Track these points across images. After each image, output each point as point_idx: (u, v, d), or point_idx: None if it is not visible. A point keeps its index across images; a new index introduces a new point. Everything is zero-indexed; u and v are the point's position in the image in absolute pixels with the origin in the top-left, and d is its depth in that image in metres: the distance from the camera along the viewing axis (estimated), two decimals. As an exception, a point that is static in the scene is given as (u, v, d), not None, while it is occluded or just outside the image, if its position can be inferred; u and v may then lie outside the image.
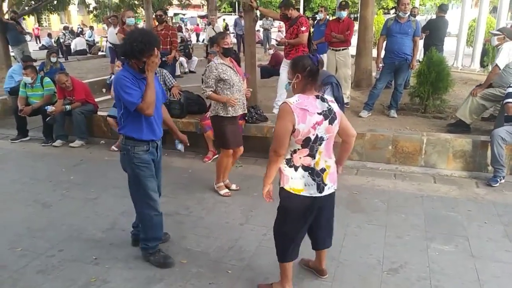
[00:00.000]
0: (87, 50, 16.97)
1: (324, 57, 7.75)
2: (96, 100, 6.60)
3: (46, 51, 9.01)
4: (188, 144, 3.44)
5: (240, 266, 3.08)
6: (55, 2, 14.49)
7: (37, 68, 6.87)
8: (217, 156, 5.31)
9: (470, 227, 3.62)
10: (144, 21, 16.15)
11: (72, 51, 16.48)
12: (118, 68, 5.82)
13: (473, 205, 4.03)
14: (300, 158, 2.46)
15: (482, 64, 10.92)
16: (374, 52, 8.44)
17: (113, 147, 5.75)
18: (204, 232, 3.58)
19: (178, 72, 10.42)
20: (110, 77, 8.08)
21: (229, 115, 4.09)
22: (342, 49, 6.83)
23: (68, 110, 5.97)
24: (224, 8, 40.64)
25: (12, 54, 10.63)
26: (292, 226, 2.59)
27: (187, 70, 11.98)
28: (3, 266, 3.12)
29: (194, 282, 2.91)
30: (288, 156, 2.48)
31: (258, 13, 7.31)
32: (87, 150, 5.88)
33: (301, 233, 2.66)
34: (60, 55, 15.92)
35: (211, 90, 4.03)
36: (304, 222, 2.59)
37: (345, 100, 6.20)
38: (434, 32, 7.93)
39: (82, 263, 3.15)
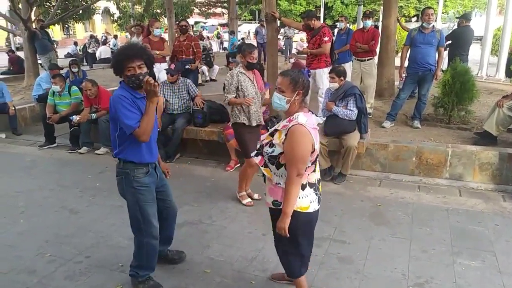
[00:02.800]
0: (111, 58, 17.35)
1: (346, 66, 7.75)
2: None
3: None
4: (169, 176, 3.17)
5: (264, 277, 3.09)
6: (80, 12, 14.90)
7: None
8: (239, 165, 5.35)
9: (498, 242, 3.54)
10: (167, 29, 16.44)
11: (97, 59, 16.87)
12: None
13: (500, 220, 3.94)
14: (308, 175, 2.46)
15: (508, 74, 10.69)
16: (397, 62, 8.40)
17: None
18: (227, 242, 3.61)
19: (199, 81, 10.54)
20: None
21: (246, 124, 4.14)
22: (368, 59, 6.80)
23: (94, 118, 6.11)
24: (245, 16, 40.99)
25: (39, 61, 10.95)
26: (304, 243, 2.60)
27: (208, 78, 12.11)
28: (33, 271, 3.21)
29: (218, 292, 2.93)
30: None
31: (279, 22, 7.35)
32: (112, 158, 5.98)
33: (311, 244, 2.69)
34: (85, 63, 16.34)
35: (232, 96, 4.12)
36: (312, 235, 2.64)
37: (368, 111, 6.17)
38: (459, 42, 7.82)
39: (109, 270, 3.21)
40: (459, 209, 4.16)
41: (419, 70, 5.85)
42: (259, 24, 18.02)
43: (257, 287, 2.97)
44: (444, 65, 8.12)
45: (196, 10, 25.45)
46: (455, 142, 5.35)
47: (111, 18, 20.72)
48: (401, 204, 4.29)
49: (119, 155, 2.78)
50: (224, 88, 4.30)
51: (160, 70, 7.15)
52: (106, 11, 17.83)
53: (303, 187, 2.45)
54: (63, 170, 5.49)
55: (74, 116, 6.09)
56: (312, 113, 2.52)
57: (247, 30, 34.53)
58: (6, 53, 14.14)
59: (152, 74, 2.79)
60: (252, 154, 2.60)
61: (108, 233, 3.79)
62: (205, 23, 43.87)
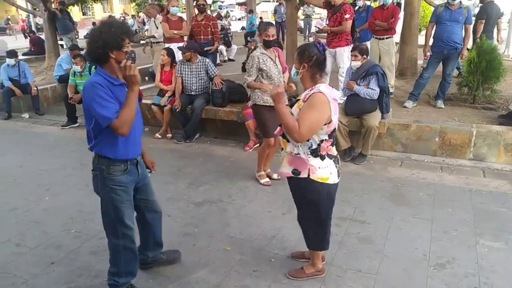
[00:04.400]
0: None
1: (367, 44, 7.56)
2: (140, 88, 6.77)
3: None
4: (154, 171, 2.92)
5: (283, 255, 3.11)
6: (99, -9, 14.95)
7: (84, 56, 7.12)
8: (258, 145, 5.35)
9: (522, 224, 3.47)
10: (184, 9, 16.32)
11: (116, 39, 16.93)
12: (163, 57, 5.94)
13: (525, 201, 3.85)
14: (327, 146, 2.49)
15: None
16: (420, 40, 8.16)
17: (157, 135, 5.91)
18: (247, 220, 3.63)
19: (217, 61, 10.49)
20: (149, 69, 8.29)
21: (267, 104, 4.11)
22: (386, 38, 6.60)
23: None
24: (263, -6, 40.31)
25: (60, 42, 11.06)
26: (325, 213, 2.64)
27: (226, 58, 12.04)
28: (59, 246, 3.32)
29: (238, 269, 2.97)
30: (315, 146, 2.46)
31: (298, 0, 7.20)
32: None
33: (330, 217, 2.71)
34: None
35: (252, 79, 4.10)
36: (331, 208, 2.66)
37: (390, 90, 6.04)
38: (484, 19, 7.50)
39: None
40: (482, 190, 4.08)
41: (444, 49, 5.67)
42: (277, 3, 17.69)
43: (276, 265, 3.00)
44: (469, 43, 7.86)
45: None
46: (480, 122, 5.22)
47: (129, -2, 20.79)
48: (422, 184, 4.23)
49: (93, 148, 2.47)
50: (242, 68, 4.27)
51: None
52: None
53: (323, 157, 2.48)
54: (85, 150, 5.46)
55: None
56: (332, 87, 2.51)
57: (265, 9, 34.01)
58: (28, 34, 14.33)
59: (131, 58, 2.56)
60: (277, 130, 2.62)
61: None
62: (222, 2, 43.40)
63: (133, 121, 2.38)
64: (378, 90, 4.68)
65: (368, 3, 8.05)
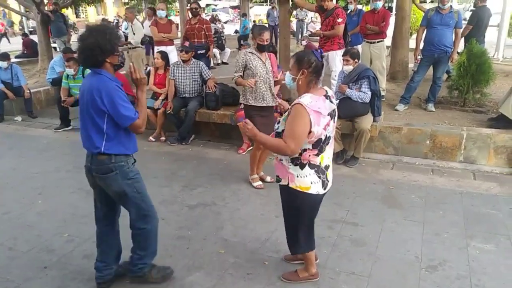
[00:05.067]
0: (124, 40, 17.31)
1: (358, 48, 7.62)
2: (134, 91, 6.76)
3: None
4: None
5: (277, 258, 3.13)
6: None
7: (78, 59, 7.11)
8: (251, 148, 5.37)
9: (512, 225, 3.52)
10: (178, 13, 16.35)
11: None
12: (157, 60, 5.96)
13: (515, 203, 3.91)
14: (308, 156, 2.45)
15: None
16: (411, 43, 8.24)
17: (151, 138, 5.90)
18: (240, 223, 3.65)
19: (211, 64, 10.51)
20: (146, 69, 8.26)
21: (257, 105, 4.15)
22: (378, 41, 6.65)
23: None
24: (256, -2, 40.46)
25: (53, 45, 11.00)
26: (309, 220, 2.67)
27: (219, 61, 12.06)
28: (52, 250, 3.31)
29: (232, 271, 2.98)
30: (296, 155, 2.45)
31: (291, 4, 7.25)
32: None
33: (312, 227, 2.74)
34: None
35: (240, 75, 4.18)
36: (314, 216, 2.70)
37: (381, 93, 6.10)
38: (475, 23, 7.62)
39: (127, 250, 3.26)
40: (473, 192, 4.14)
41: (435, 52, 5.75)
42: (270, 7, 17.79)
43: (270, 267, 3.02)
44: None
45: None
46: (470, 125, 5.29)
47: (123, 1, 20.67)
48: (414, 187, 4.28)
49: (109, 150, 2.50)
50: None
51: (169, 52, 7.13)
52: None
53: (302, 166, 2.46)
54: (79, 153, 5.46)
55: None
56: (328, 98, 2.45)
57: (258, 13, 34.10)
58: (21, 36, 14.24)
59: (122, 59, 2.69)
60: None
61: (124, 213, 3.81)
62: (216, 5, 43.49)
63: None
64: (369, 93, 4.73)
65: (359, 7, 8.12)
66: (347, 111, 4.82)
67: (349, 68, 4.78)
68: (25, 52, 13.06)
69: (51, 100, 8.05)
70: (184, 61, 5.71)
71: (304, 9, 16.24)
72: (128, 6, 19.32)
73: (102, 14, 33.67)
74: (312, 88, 2.45)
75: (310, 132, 2.35)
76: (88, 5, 17.75)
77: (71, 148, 5.81)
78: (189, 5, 7.60)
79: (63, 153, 5.62)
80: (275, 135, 2.54)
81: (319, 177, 2.50)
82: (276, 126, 2.58)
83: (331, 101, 2.46)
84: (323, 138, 2.42)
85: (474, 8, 7.93)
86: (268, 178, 4.46)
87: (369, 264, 3.02)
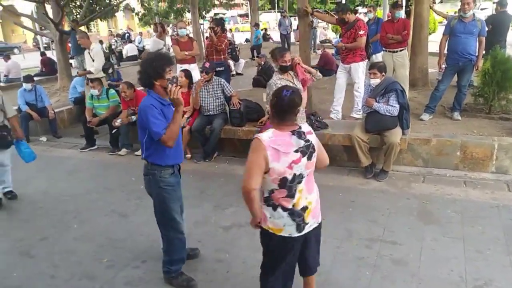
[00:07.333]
0: (138, 55, 17.50)
1: (378, 56, 7.61)
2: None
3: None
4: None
5: (318, 281, 3.09)
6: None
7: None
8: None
9: (555, 240, 3.45)
10: (190, 24, 16.46)
11: (124, 57, 17.05)
12: (181, 78, 6.00)
13: (555, 216, 3.84)
14: (279, 198, 2.32)
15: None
16: (430, 48, 8.19)
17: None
18: (277, 244, 3.63)
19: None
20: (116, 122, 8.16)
21: None
22: (400, 50, 6.63)
23: (134, 121, 6.19)
24: (264, 6, 40.64)
25: (70, 61, 11.13)
26: (276, 264, 2.48)
27: (234, 72, 12.10)
28: (93, 277, 3.33)
29: (275, 296, 2.96)
30: (267, 195, 2.35)
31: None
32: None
33: (288, 272, 2.53)
34: (114, 60, 16.54)
35: None
36: (285, 262, 2.46)
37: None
38: (496, 28, 7.54)
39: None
40: (509, 205, 4.07)
41: (459, 61, 5.69)
42: (282, 16, 17.84)
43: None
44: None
45: (216, 2, 25.37)
46: (499, 133, 5.21)
47: (133, 14, 20.73)
48: (448, 201, 4.23)
49: (147, 158, 2.99)
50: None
51: (192, 70, 7.17)
52: (128, 7, 17.79)
53: (275, 207, 2.34)
54: (107, 173, 5.63)
55: (119, 120, 6.17)
56: (297, 133, 2.28)
57: (266, 20, 34.10)
58: (40, 54, 14.45)
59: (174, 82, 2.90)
60: None
61: (158, 236, 3.83)
62: (224, 14, 43.72)
63: (178, 135, 2.90)
64: (398, 106, 4.70)
65: (370, 15, 8.11)
66: (376, 124, 4.79)
67: (376, 81, 4.75)
68: (43, 70, 13.31)
69: (74, 119, 8.18)
70: (207, 81, 5.76)
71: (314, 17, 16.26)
72: (144, 20, 18.99)
73: (113, 28, 34.08)
74: (278, 124, 2.32)
75: (268, 170, 2.23)
76: (101, 20, 17.94)
77: (98, 168, 5.87)
78: (210, 25, 7.62)
79: (91, 174, 5.68)
80: None
81: (294, 220, 2.33)
82: None
83: (301, 137, 2.28)
84: (290, 177, 2.26)
85: (494, 13, 7.83)
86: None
87: (414, 286, 2.98)
